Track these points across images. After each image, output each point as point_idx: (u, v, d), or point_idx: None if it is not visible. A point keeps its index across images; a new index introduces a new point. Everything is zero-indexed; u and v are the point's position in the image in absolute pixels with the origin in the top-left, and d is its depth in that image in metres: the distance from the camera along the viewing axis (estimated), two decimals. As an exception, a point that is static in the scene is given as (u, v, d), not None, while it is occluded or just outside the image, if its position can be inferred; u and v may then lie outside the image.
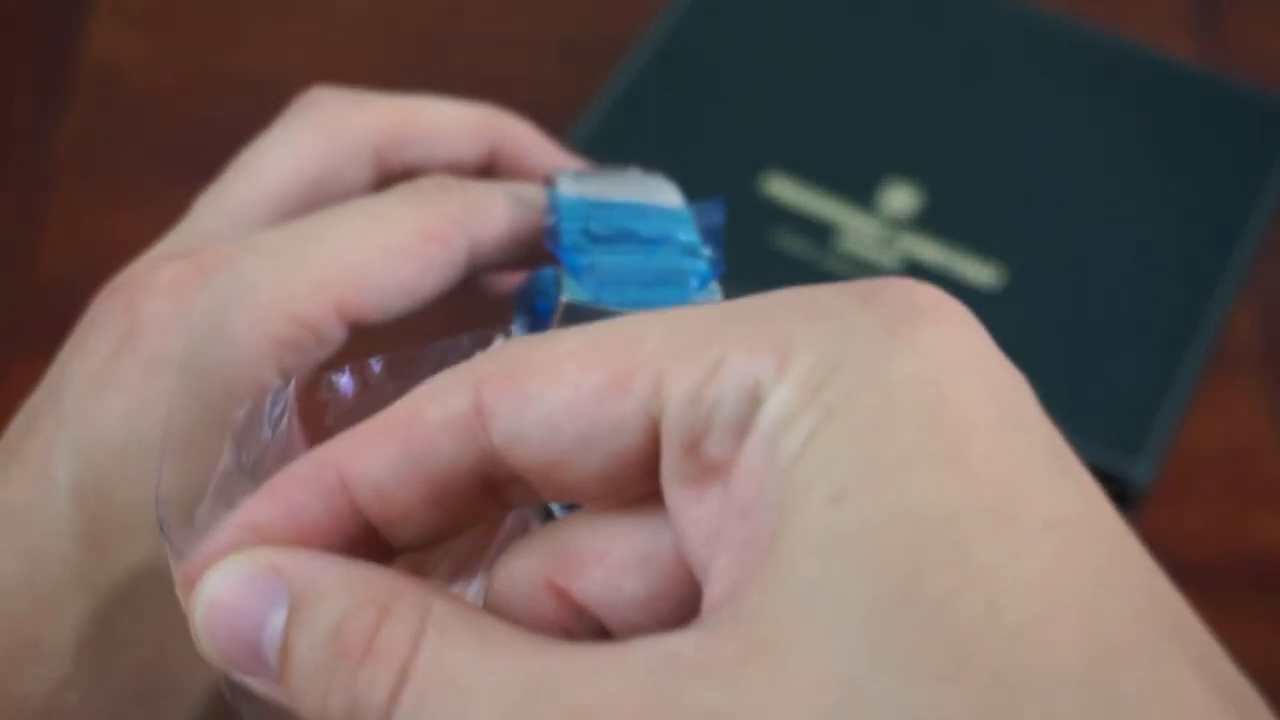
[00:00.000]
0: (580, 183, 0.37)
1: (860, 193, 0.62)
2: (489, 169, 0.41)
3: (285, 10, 0.79)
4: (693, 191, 0.61)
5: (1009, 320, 0.59)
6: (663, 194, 0.37)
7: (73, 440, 0.32)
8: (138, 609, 0.31)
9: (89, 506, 0.31)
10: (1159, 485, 0.62)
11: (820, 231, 0.61)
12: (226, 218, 0.38)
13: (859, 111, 0.64)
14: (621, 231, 0.34)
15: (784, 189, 0.62)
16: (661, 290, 0.34)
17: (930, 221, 0.61)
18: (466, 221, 0.35)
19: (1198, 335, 0.59)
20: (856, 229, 0.61)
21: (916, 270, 0.60)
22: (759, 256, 0.60)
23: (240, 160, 0.39)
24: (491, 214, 0.36)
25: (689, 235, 0.35)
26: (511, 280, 0.42)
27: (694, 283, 0.34)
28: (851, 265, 0.60)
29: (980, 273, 0.60)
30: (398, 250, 0.34)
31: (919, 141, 0.63)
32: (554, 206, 0.35)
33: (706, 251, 0.35)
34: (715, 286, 0.34)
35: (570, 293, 0.33)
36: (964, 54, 0.66)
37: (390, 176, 0.40)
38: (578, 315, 0.33)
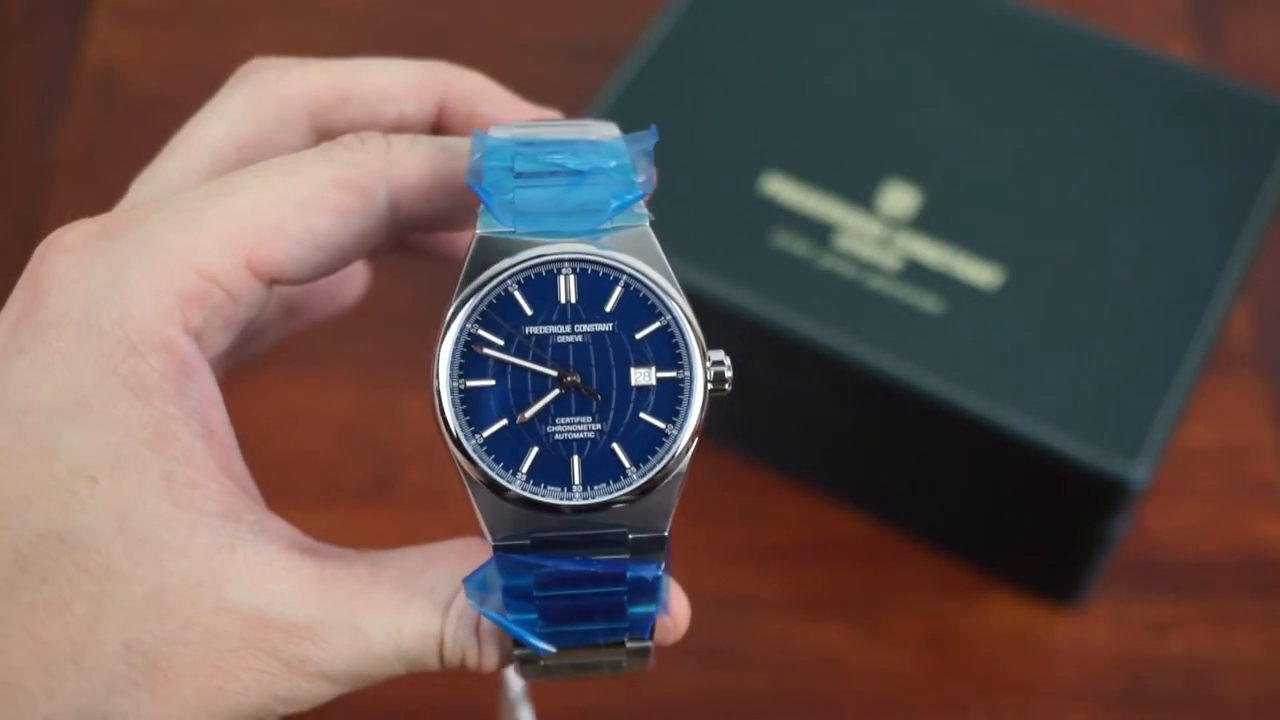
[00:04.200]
0: (516, 128, 0.36)
1: (860, 193, 0.62)
2: (440, 125, 0.40)
3: (285, 11, 0.80)
4: (693, 192, 0.62)
5: (1008, 320, 0.59)
6: (600, 130, 0.36)
7: None
8: (38, 573, 0.31)
9: None
10: (1157, 484, 0.62)
11: (820, 231, 0.61)
12: (160, 192, 0.37)
13: (859, 111, 0.65)
14: (549, 166, 0.34)
15: (784, 189, 0.62)
16: (579, 218, 0.33)
17: (930, 221, 0.61)
18: (384, 170, 0.34)
19: (1196, 335, 0.59)
20: (856, 229, 0.61)
21: (916, 270, 0.60)
22: (759, 256, 0.60)
23: (174, 137, 0.38)
24: (413, 162, 0.35)
25: (620, 163, 0.34)
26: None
27: (613, 205, 0.33)
28: (851, 265, 0.60)
29: (979, 273, 0.60)
30: (310, 201, 0.34)
31: (919, 141, 0.64)
32: (479, 146, 0.35)
33: (638, 177, 0.34)
34: (642, 208, 0.34)
35: (485, 226, 0.33)
36: (964, 54, 0.66)
37: (333, 139, 0.38)
38: (492, 246, 0.33)
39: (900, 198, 0.62)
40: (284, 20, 0.79)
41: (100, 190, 0.73)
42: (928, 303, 0.59)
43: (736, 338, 0.59)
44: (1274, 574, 0.64)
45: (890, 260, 0.60)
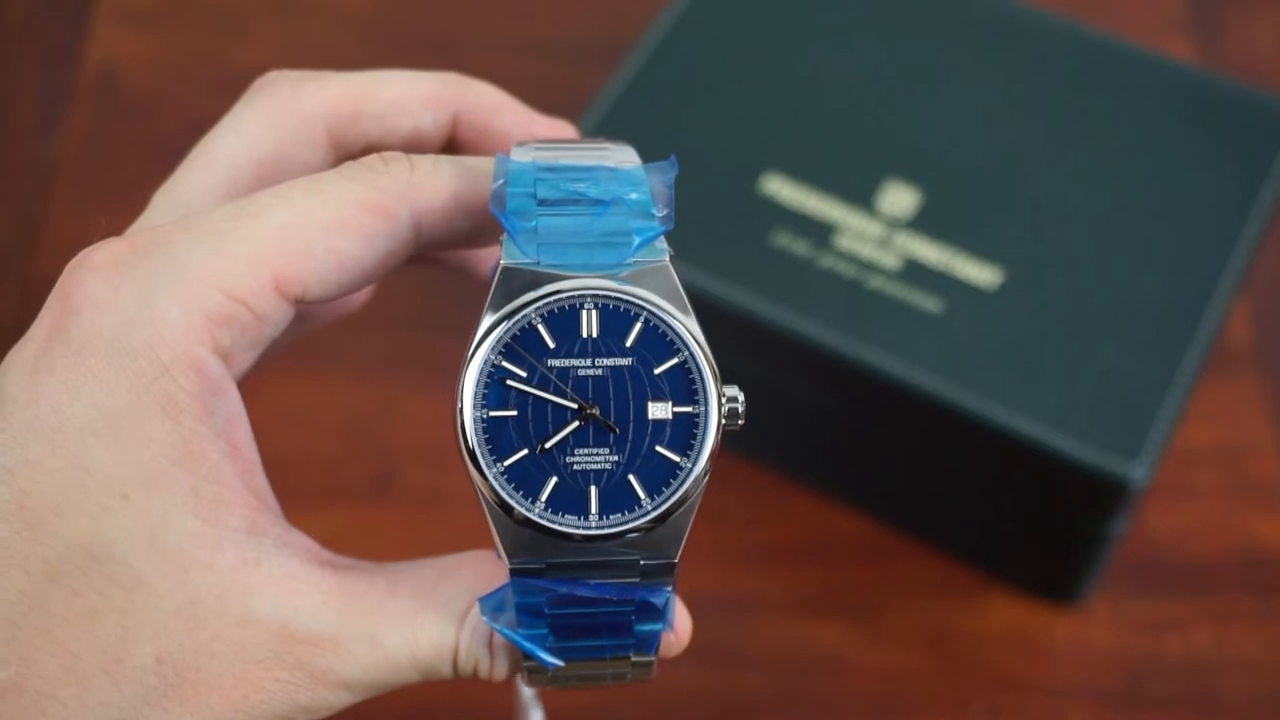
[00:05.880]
0: (536, 150, 0.36)
1: (860, 193, 0.62)
2: (455, 136, 0.40)
3: (285, 11, 0.80)
4: (693, 192, 0.62)
5: (1008, 320, 0.59)
6: (620, 155, 0.36)
7: (8, 426, 0.32)
8: (70, 586, 0.32)
9: (20, 487, 0.32)
10: (1157, 484, 0.63)
11: (820, 231, 0.61)
12: (180, 208, 0.38)
13: (858, 111, 0.65)
14: (570, 195, 0.35)
15: (783, 189, 0.62)
16: (603, 251, 0.34)
17: (929, 221, 0.61)
18: (408, 193, 0.35)
19: (1195, 335, 0.59)
20: (856, 229, 0.61)
21: (916, 270, 0.60)
22: (759, 256, 0.60)
23: (193, 151, 0.39)
24: (436, 185, 0.35)
25: (641, 194, 0.35)
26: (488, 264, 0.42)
27: (636, 241, 0.34)
28: (851, 265, 0.60)
29: (979, 273, 0.60)
30: (336, 224, 0.34)
31: (918, 141, 0.64)
32: (502, 172, 0.35)
33: (658, 210, 0.35)
34: (662, 243, 0.34)
35: (510, 256, 0.34)
36: (964, 54, 0.66)
37: (351, 154, 0.39)
38: (516, 278, 0.34)
39: (900, 198, 0.62)
40: (284, 20, 0.79)
41: (100, 190, 0.73)
42: (927, 302, 0.59)
43: (737, 338, 0.59)
44: (1273, 574, 0.64)
45: (890, 260, 0.60)
